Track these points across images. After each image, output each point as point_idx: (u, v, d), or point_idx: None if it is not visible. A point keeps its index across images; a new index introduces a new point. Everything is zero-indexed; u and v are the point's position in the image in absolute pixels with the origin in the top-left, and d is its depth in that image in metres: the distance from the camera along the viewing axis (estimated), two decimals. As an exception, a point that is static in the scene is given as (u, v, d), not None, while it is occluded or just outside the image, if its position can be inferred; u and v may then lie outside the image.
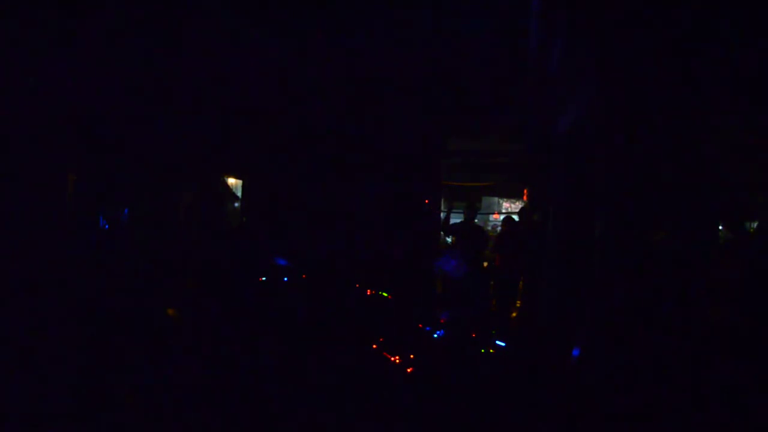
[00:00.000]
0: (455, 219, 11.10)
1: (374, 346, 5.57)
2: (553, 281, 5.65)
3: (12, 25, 4.90)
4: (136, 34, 6.02)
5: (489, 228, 12.85)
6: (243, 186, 8.98)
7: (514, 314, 7.62)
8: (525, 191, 11.12)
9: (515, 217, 8.32)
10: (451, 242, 8.00)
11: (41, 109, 5.21)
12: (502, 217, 10.75)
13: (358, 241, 8.66)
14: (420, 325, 6.43)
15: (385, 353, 5.41)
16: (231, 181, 8.89)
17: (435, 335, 6.28)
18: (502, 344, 5.95)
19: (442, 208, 10.13)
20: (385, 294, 7.27)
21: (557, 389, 4.31)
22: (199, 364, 4.89)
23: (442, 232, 8.82)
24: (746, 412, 3.14)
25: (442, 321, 6.55)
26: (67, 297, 5.28)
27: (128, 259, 6.26)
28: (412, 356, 5.34)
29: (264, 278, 7.52)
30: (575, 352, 4.24)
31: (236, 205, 8.97)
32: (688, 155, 3.98)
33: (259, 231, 8.55)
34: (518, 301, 7.75)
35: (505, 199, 14.52)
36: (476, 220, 8.36)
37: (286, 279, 7.59)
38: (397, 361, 5.28)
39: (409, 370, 5.14)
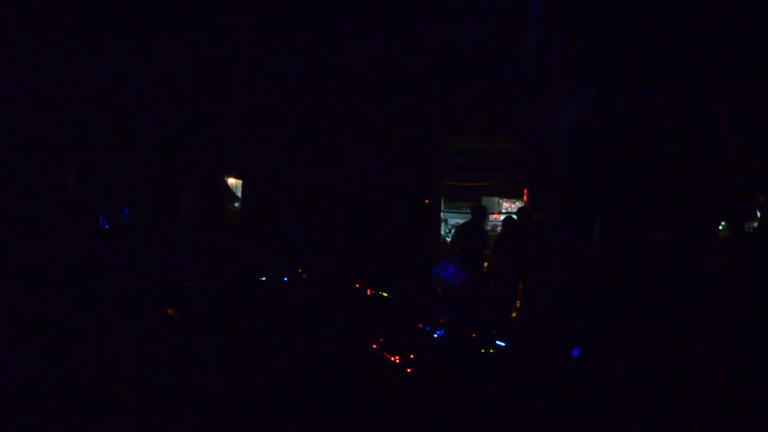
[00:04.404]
0: (458, 219, 11.10)
1: (374, 346, 5.57)
2: (552, 281, 5.65)
3: (14, 25, 4.90)
4: (138, 34, 6.02)
5: (489, 228, 12.87)
6: (243, 186, 8.99)
7: (514, 314, 7.61)
8: (525, 191, 11.12)
9: (515, 217, 8.30)
10: (456, 251, 7.84)
11: (42, 108, 5.22)
12: (502, 217, 10.74)
13: (358, 241, 8.66)
14: (420, 325, 6.44)
15: (385, 353, 5.41)
16: (231, 181, 8.89)
17: (435, 335, 6.28)
18: (502, 344, 5.95)
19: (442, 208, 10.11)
20: (385, 294, 7.27)
21: (557, 389, 4.32)
22: (199, 363, 4.89)
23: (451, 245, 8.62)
24: (746, 410, 3.14)
25: (442, 321, 6.55)
26: (68, 296, 5.28)
27: (128, 258, 6.26)
28: (412, 356, 5.34)
29: (264, 278, 7.53)
30: (575, 352, 4.24)
31: (236, 205, 8.97)
32: (688, 155, 3.97)
33: (258, 231, 8.56)
34: (518, 301, 7.74)
35: (505, 199, 14.53)
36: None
37: (286, 279, 7.59)
38: (397, 361, 5.28)
39: (409, 370, 5.14)
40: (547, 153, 6.82)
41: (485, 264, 8.47)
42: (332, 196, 9.13)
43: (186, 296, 6.72)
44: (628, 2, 4.04)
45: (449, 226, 12.54)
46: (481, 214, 7.94)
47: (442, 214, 11.09)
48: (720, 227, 3.91)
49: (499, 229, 10.88)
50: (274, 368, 4.95)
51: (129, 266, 6.22)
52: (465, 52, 8.17)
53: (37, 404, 3.84)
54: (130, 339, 5.24)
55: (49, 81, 5.26)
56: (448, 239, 9.83)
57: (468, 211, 8.28)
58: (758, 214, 3.71)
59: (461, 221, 8.68)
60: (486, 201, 13.99)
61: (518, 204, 13.30)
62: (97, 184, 6.10)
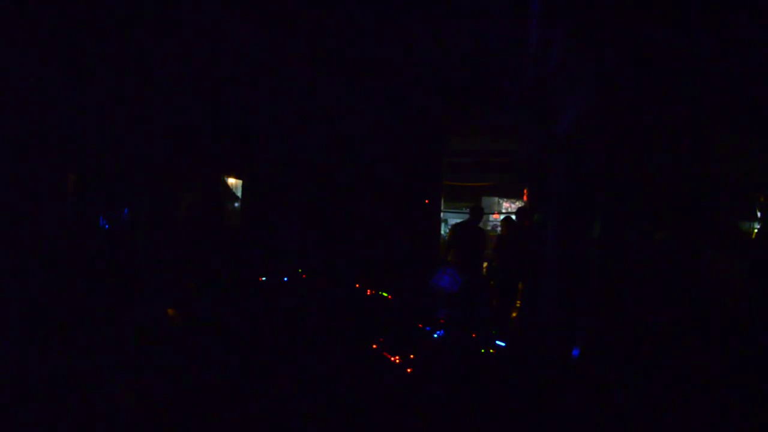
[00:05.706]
0: (458, 219, 11.08)
1: (374, 346, 5.57)
2: (552, 281, 5.65)
3: (13, 25, 4.90)
4: (137, 34, 6.02)
5: (489, 228, 12.86)
6: (243, 186, 8.98)
7: (514, 314, 7.62)
8: (525, 191, 11.12)
9: (515, 217, 8.31)
10: (451, 258, 7.77)
11: (41, 108, 5.22)
12: (502, 217, 10.73)
13: (358, 241, 8.66)
14: (420, 325, 6.44)
15: (385, 353, 5.41)
16: (231, 181, 8.89)
17: (435, 335, 6.29)
18: (502, 344, 5.96)
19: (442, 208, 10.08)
20: (385, 294, 7.28)
21: (557, 389, 4.32)
22: (199, 364, 4.89)
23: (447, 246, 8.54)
24: (746, 410, 3.15)
25: (441, 321, 6.56)
26: (68, 296, 5.28)
27: (128, 259, 6.26)
28: (412, 356, 5.35)
29: (264, 278, 7.54)
30: (575, 352, 4.25)
31: (236, 205, 8.97)
32: (688, 155, 3.98)
33: (258, 231, 8.56)
34: (518, 301, 7.74)
35: (505, 199, 14.52)
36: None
37: (286, 279, 7.60)
38: (397, 361, 5.28)
39: (409, 370, 5.14)
40: (547, 153, 6.82)
41: (485, 264, 8.47)
42: (332, 195, 9.13)
43: (186, 296, 6.73)
44: (627, 2, 4.04)
45: (449, 226, 12.53)
46: (478, 215, 7.92)
47: (442, 214, 11.08)
48: (720, 227, 3.91)
49: (499, 229, 10.88)
50: (274, 368, 4.95)
51: (129, 266, 6.22)
52: (465, 53, 8.18)
53: (37, 404, 3.84)
54: (131, 339, 5.25)
55: (48, 81, 5.26)
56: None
57: (468, 211, 8.24)
58: (758, 214, 3.71)
59: (460, 222, 8.65)
60: (486, 201, 13.98)
61: (518, 204, 13.29)
62: (97, 184, 6.10)
